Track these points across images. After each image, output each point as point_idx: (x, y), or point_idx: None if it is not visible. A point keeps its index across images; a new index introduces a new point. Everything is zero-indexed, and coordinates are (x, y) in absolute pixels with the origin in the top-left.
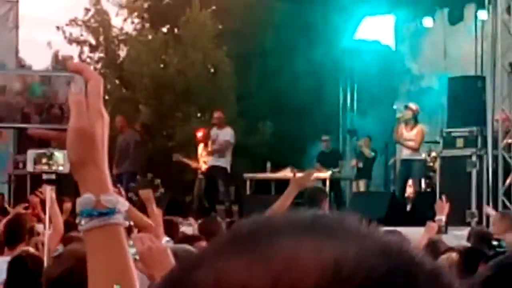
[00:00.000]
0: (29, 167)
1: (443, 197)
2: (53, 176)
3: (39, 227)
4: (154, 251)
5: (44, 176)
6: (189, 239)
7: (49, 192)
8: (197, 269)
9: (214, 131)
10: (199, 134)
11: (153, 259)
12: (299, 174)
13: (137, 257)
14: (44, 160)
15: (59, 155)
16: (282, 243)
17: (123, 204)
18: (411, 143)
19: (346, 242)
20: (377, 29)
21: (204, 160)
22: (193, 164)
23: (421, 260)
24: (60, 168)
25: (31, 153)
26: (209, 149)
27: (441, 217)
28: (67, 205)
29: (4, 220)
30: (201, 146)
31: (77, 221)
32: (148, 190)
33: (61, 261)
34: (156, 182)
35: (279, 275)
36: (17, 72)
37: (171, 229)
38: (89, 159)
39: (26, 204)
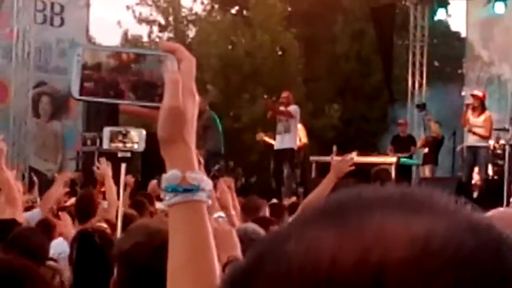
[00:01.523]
0: (105, 144)
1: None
2: (128, 154)
3: (103, 203)
4: (220, 232)
5: (120, 154)
6: (261, 221)
7: (123, 170)
8: (287, 240)
9: (281, 108)
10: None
11: (218, 241)
12: (365, 158)
13: None
14: (119, 138)
15: (134, 133)
16: (372, 217)
17: (208, 183)
18: (480, 130)
19: (435, 217)
20: (449, 14)
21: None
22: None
23: (508, 238)
24: (135, 146)
25: (107, 131)
26: (278, 128)
27: None
28: (130, 180)
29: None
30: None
31: (161, 195)
32: (231, 179)
33: (131, 235)
34: (238, 171)
35: (369, 248)
36: (112, 49)
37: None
38: (179, 137)
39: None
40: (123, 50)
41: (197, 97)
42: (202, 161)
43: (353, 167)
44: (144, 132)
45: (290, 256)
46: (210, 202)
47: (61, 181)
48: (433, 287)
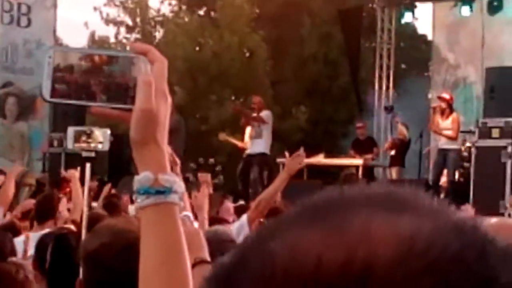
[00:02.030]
0: (69, 144)
1: (468, 206)
2: (93, 154)
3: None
4: (186, 233)
5: (84, 154)
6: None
7: (88, 169)
8: (271, 239)
9: (254, 114)
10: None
11: (185, 242)
12: (332, 160)
13: None
14: (83, 138)
15: (98, 133)
16: (357, 216)
17: (180, 185)
18: (448, 132)
19: (420, 217)
20: (416, 17)
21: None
22: (240, 144)
23: (494, 239)
24: (100, 146)
25: (71, 131)
26: (251, 133)
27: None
28: (93, 184)
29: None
30: (248, 129)
31: (133, 198)
32: (207, 174)
33: (97, 235)
34: (217, 168)
35: (354, 247)
36: (84, 51)
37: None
38: (151, 139)
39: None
40: (95, 52)
41: (169, 99)
42: (178, 161)
43: (304, 165)
44: (108, 131)
45: (275, 256)
46: (182, 204)
47: (12, 175)
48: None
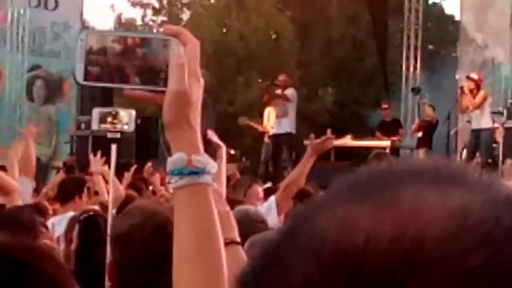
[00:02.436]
0: (94, 125)
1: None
2: (118, 135)
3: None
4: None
5: (109, 135)
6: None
7: (114, 151)
8: (319, 216)
9: (278, 91)
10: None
11: None
12: (360, 142)
13: None
14: (109, 119)
15: (124, 114)
16: (406, 191)
17: (213, 166)
18: (477, 110)
19: (471, 191)
20: None
21: (271, 125)
22: (260, 128)
23: None
24: (125, 127)
25: (96, 112)
26: (276, 111)
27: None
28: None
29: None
30: (267, 110)
31: (167, 179)
32: (233, 164)
33: (129, 217)
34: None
35: (405, 223)
36: (117, 34)
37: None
38: (184, 120)
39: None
40: (128, 35)
41: (202, 81)
42: (223, 145)
43: (331, 147)
44: (134, 112)
45: (324, 232)
46: (215, 185)
47: (29, 136)
48: (469, 263)
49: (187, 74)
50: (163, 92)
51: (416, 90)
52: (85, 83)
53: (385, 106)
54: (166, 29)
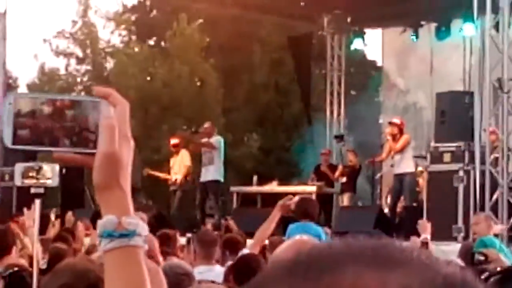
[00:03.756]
0: (17, 181)
1: (424, 219)
2: (42, 190)
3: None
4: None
5: (32, 190)
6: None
7: (38, 205)
8: None
9: (204, 140)
10: (174, 141)
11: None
12: (286, 188)
13: None
14: (32, 174)
15: (47, 168)
16: (346, 274)
17: (144, 228)
18: (398, 155)
19: (409, 273)
20: (365, 43)
21: (174, 172)
22: (163, 176)
23: None
24: (48, 181)
25: (18, 167)
26: (203, 160)
27: (426, 235)
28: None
29: None
30: (173, 160)
31: (97, 242)
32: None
33: (58, 276)
34: (148, 203)
35: None
36: (46, 97)
37: (168, 242)
38: (114, 182)
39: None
40: (56, 97)
41: (132, 142)
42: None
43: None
44: (57, 167)
45: None
46: (146, 247)
47: None
48: None
49: (117, 136)
50: (93, 154)
51: (339, 137)
52: (14, 146)
53: (324, 151)
54: (96, 91)
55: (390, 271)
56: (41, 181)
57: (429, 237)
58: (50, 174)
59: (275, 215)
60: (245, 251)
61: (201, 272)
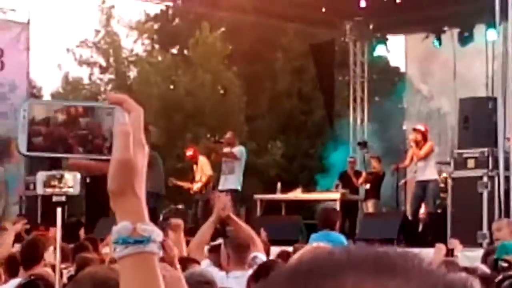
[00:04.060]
0: (39, 190)
1: (456, 242)
2: (63, 198)
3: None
4: (168, 279)
5: (54, 198)
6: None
7: (59, 214)
8: None
9: (226, 150)
10: (189, 153)
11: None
12: (310, 195)
13: None
14: (53, 183)
15: (69, 176)
16: (346, 281)
17: (158, 234)
18: (422, 162)
19: (410, 280)
20: (388, 50)
21: (196, 180)
22: (186, 186)
23: None
24: (70, 190)
25: (41, 175)
26: (222, 168)
27: (457, 253)
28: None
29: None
30: (194, 167)
31: (112, 248)
32: (180, 219)
33: (78, 284)
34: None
35: None
36: (60, 103)
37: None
38: (129, 189)
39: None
40: (71, 104)
41: (147, 148)
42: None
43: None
44: (79, 175)
45: None
46: (161, 253)
47: (13, 231)
48: None
49: (132, 142)
50: (108, 160)
51: (362, 144)
52: (28, 153)
53: (351, 159)
54: (110, 97)
55: (391, 278)
56: (63, 189)
57: (459, 254)
58: (72, 182)
59: (212, 221)
60: (260, 255)
61: (237, 277)
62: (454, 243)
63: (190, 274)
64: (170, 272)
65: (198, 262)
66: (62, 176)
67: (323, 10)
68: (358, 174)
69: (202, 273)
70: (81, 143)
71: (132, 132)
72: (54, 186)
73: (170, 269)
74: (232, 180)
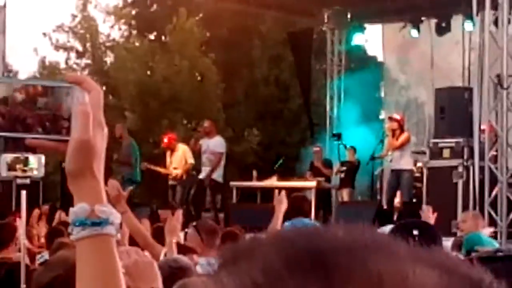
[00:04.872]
0: (3, 172)
1: (429, 207)
2: (27, 181)
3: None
4: (140, 264)
5: (18, 181)
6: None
7: (24, 196)
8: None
9: (204, 141)
10: (165, 140)
11: (139, 273)
12: (286, 183)
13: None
14: (18, 165)
15: (33, 159)
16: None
17: (116, 216)
18: (397, 152)
19: (452, 275)
20: (366, 39)
21: (174, 167)
22: (163, 171)
23: None
24: (35, 172)
25: (4, 158)
26: (203, 159)
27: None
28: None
29: None
30: (168, 154)
31: (69, 229)
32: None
33: (50, 268)
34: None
35: None
36: (19, 83)
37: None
38: (87, 170)
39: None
40: (29, 83)
41: (106, 129)
42: (125, 195)
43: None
44: (43, 158)
45: None
46: (119, 236)
47: None
48: None
49: (91, 123)
50: (66, 141)
51: (336, 136)
52: None
53: (316, 149)
54: (68, 77)
55: (431, 269)
56: (28, 172)
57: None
58: (36, 165)
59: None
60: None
61: (213, 263)
62: (427, 210)
63: (164, 260)
64: (142, 258)
65: (195, 252)
66: (26, 159)
67: None
68: (327, 162)
69: (176, 259)
70: (40, 122)
71: (91, 112)
72: (18, 169)
73: (142, 254)
74: (215, 176)
